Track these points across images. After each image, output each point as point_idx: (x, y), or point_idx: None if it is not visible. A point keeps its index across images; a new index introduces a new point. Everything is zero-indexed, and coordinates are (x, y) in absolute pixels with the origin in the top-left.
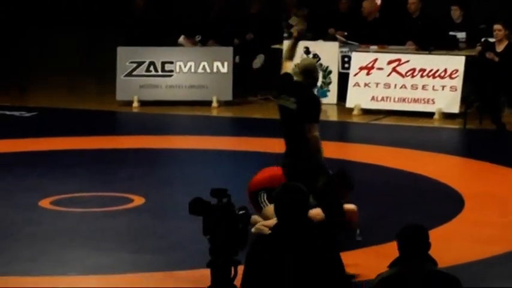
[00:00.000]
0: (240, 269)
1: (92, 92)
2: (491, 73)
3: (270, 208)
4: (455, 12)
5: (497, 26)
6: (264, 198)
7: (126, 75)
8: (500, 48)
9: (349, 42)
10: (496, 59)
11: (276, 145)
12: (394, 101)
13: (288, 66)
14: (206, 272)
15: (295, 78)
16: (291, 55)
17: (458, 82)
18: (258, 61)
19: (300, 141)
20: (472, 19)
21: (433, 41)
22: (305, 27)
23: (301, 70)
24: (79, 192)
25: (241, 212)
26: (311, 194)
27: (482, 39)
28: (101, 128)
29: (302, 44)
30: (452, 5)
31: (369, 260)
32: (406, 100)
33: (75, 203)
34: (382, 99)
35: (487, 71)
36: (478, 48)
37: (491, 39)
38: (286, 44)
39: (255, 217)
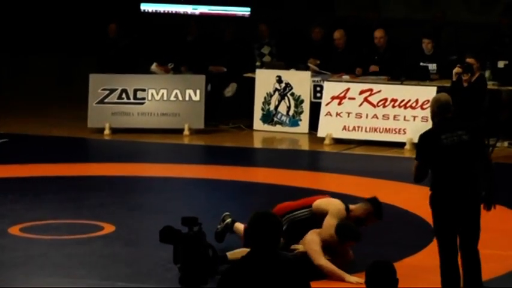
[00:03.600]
0: None
1: (63, 119)
2: (462, 104)
3: None
4: (428, 45)
5: (470, 60)
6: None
7: (98, 102)
8: (472, 80)
9: (321, 71)
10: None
11: (246, 173)
12: (366, 130)
13: None
14: None
15: (442, 116)
16: None
17: (429, 113)
18: (230, 90)
19: (474, 169)
20: (442, 51)
21: (405, 72)
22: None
23: (442, 107)
24: (49, 220)
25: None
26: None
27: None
28: (72, 155)
29: (274, 73)
30: (423, 38)
31: None
32: (378, 130)
33: (45, 230)
34: (354, 128)
35: (457, 101)
36: (458, 69)
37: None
38: None
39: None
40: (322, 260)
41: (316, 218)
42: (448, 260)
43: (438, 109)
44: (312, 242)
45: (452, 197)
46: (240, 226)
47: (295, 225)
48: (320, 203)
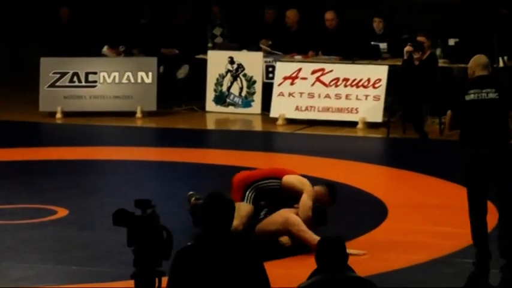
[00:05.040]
0: (164, 280)
1: (14, 103)
2: (414, 82)
3: (244, 206)
4: (378, 24)
5: (421, 38)
6: (251, 195)
7: (49, 86)
8: (423, 58)
9: (273, 52)
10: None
11: (199, 155)
12: (318, 110)
13: None
14: (130, 284)
15: (480, 73)
16: None
17: (381, 91)
18: (183, 71)
19: (504, 128)
20: (393, 30)
21: (356, 51)
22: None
23: (485, 65)
24: (3, 205)
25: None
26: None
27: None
28: (24, 139)
29: (226, 54)
30: (374, 17)
31: (292, 270)
32: (330, 109)
33: None
34: (306, 108)
35: (409, 80)
36: (409, 48)
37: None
38: None
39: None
40: None
41: (284, 192)
42: (475, 216)
43: (475, 67)
44: (301, 228)
45: (476, 152)
46: None
47: (262, 194)
48: (292, 179)
